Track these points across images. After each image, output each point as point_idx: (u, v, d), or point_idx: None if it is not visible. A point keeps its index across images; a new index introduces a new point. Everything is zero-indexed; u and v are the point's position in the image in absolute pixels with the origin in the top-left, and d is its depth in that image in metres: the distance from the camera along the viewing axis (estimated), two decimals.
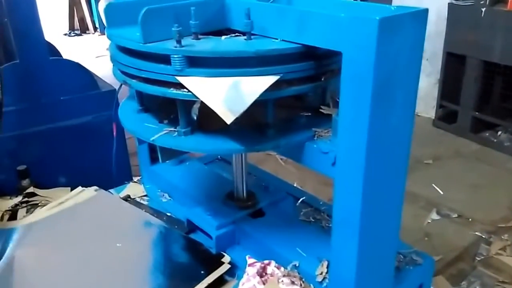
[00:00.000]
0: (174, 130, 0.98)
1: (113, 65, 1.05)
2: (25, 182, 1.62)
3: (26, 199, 1.47)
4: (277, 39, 0.91)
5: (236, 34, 0.98)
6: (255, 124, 0.99)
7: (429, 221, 2.63)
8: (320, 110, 0.99)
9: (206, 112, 0.87)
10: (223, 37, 0.96)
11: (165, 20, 0.90)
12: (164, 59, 0.88)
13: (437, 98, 3.78)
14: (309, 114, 1.03)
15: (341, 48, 0.78)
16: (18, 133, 2.01)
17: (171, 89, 0.90)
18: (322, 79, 0.95)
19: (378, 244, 0.95)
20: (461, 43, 3.46)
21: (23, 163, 1.68)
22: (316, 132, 0.96)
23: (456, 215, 2.67)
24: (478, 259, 2.30)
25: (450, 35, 3.51)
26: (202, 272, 1.05)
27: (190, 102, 0.96)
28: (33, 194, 1.49)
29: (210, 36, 0.96)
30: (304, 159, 0.97)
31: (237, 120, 0.83)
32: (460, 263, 2.30)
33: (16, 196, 1.50)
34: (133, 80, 0.97)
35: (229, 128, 0.91)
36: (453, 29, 3.49)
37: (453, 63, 3.58)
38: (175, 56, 0.86)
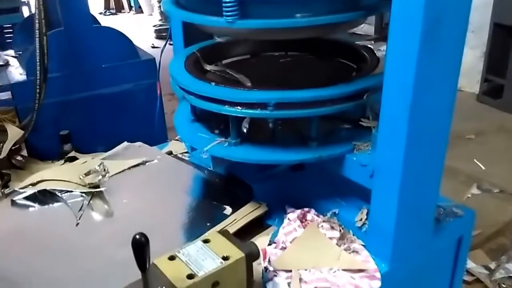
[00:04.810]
0: (225, 141, 1.06)
1: (172, 80, 1.13)
2: (67, 147, 1.66)
3: (67, 163, 1.51)
4: None
5: None
6: (299, 135, 1.05)
7: (469, 195, 2.57)
8: (360, 123, 1.04)
9: (255, 124, 1.01)
10: None
11: None
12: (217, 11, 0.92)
13: (482, 72, 3.63)
14: (350, 126, 1.08)
15: None
16: (61, 99, 2.04)
17: (226, 106, 0.98)
18: (364, 97, 0.98)
19: (419, 194, 0.95)
20: (509, 13, 3.30)
21: (65, 128, 1.73)
22: (356, 145, 1.01)
23: (497, 190, 2.59)
24: None
25: (498, 5, 3.35)
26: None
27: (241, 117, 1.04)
28: (74, 159, 1.52)
29: None
30: (343, 170, 1.03)
31: (282, 132, 0.99)
32: (500, 238, 2.25)
33: (58, 160, 1.55)
34: (191, 96, 1.05)
35: (275, 139, 1.05)
36: None
37: (501, 34, 3.42)
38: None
